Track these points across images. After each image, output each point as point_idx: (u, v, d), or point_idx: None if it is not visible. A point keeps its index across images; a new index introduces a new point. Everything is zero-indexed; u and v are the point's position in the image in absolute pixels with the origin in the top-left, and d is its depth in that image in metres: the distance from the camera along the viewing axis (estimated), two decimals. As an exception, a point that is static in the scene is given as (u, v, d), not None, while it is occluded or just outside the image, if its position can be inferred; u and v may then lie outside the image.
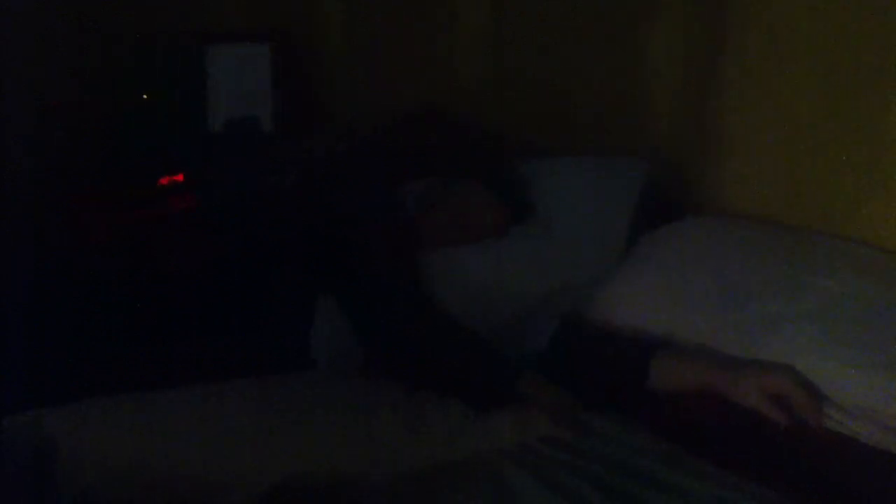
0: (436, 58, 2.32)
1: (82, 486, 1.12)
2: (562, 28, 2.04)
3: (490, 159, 1.73)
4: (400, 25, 2.42)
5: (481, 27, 2.22)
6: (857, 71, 1.56)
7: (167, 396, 1.26)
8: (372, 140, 2.00)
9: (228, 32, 2.57)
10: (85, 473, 1.13)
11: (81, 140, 2.37)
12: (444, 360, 1.39)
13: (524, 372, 1.37)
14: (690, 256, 1.57)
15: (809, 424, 1.27)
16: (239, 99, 2.51)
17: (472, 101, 2.21)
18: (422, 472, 1.20)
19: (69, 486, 1.12)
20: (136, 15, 2.44)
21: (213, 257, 1.58)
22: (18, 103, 2.19)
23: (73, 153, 2.32)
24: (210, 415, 1.23)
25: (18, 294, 1.53)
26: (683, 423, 1.33)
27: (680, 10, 1.82)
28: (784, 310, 1.40)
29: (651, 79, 1.88)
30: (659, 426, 1.32)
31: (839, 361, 1.30)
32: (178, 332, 1.44)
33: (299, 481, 1.16)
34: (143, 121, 2.42)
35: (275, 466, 1.17)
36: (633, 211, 1.73)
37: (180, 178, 2.38)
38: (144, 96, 2.46)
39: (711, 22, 1.76)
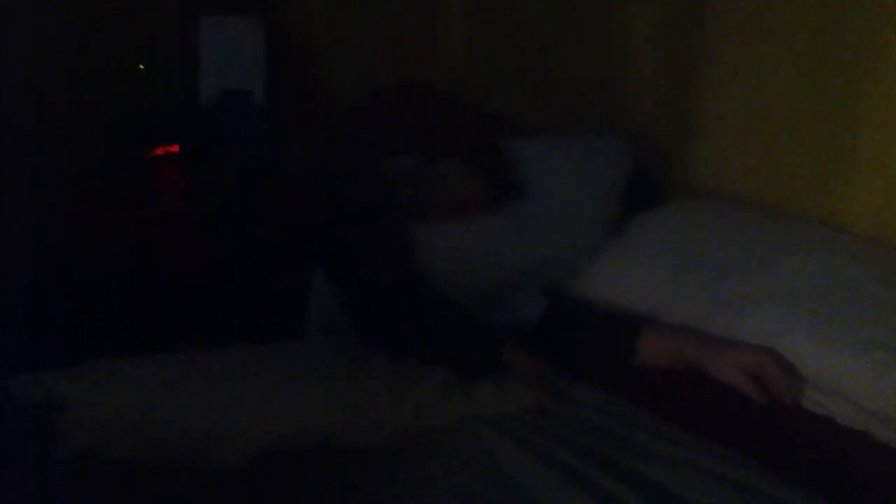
0: (418, 34, 2.35)
1: (84, 443, 1.15)
2: (543, 6, 2.07)
3: (478, 136, 1.75)
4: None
5: (463, 2, 2.26)
6: (835, 50, 1.58)
7: (166, 359, 1.29)
8: (356, 115, 2.03)
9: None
10: (86, 431, 1.16)
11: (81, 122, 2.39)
12: (429, 329, 1.42)
13: (507, 343, 1.40)
14: (675, 239, 1.61)
15: (786, 402, 1.31)
16: (231, 71, 2.53)
17: (454, 77, 2.25)
18: (405, 437, 1.25)
19: (71, 443, 1.15)
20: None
21: (208, 232, 1.61)
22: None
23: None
24: (207, 377, 1.27)
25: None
26: (665, 398, 1.38)
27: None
28: (761, 290, 1.44)
29: (631, 57, 1.91)
30: (641, 399, 1.37)
31: (815, 341, 1.33)
32: (175, 311, 1.47)
33: (290, 442, 1.20)
34: (139, 91, 2.44)
35: (267, 427, 1.20)
36: (618, 189, 1.77)
37: (175, 149, 2.41)
38: (141, 66, 2.48)
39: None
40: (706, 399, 1.37)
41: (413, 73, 2.24)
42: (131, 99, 2.45)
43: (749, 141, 1.74)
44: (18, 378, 1.22)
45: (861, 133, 1.56)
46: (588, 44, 1.99)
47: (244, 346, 1.35)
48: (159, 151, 2.42)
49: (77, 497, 1.15)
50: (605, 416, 1.32)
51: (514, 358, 1.38)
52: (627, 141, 1.82)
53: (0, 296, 1.55)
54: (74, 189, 2.10)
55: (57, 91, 2.40)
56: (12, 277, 1.60)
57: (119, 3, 2.51)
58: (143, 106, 2.45)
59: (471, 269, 1.57)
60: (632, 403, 1.36)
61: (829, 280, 1.42)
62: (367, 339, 1.44)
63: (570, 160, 1.78)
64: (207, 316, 1.49)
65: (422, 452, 1.23)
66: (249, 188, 1.72)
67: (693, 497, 1.13)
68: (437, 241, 1.57)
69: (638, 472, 1.17)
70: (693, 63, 1.80)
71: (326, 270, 1.50)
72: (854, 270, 1.43)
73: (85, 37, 2.45)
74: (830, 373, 1.30)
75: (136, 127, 2.43)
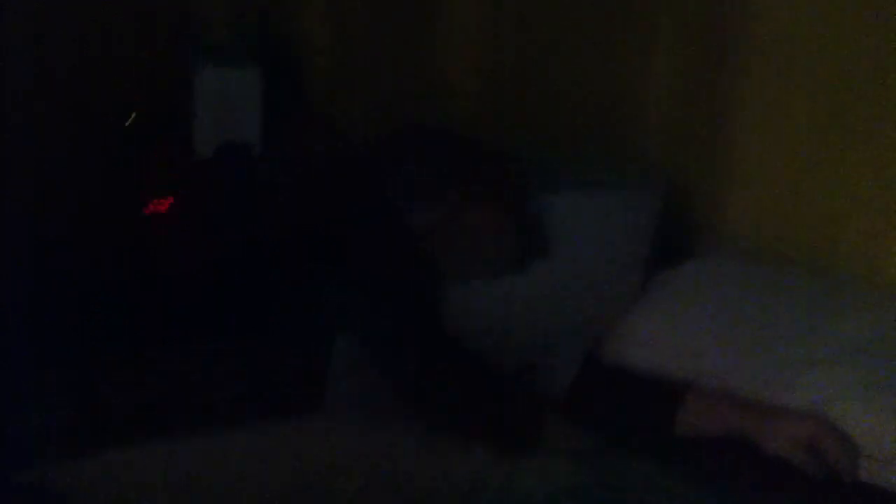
0: (427, 68, 2.30)
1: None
2: (560, 51, 2.02)
3: (507, 185, 1.65)
4: (389, 38, 2.40)
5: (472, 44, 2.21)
6: (872, 91, 1.53)
7: (174, 451, 1.20)
8: (366, 163, 1.94)
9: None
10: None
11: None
12: (467, 400, 1.34)
13: (547, 415, 1.32)
14: (709, 296, 1.55)
15: (842, 475, 1.24)
16: (229, 123, 2.46)
17: (464, 118, 2.18)
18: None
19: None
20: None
21: (209, 297, 1.52)
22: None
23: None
24: (217, 473, 1.18)
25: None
26: (710, 471, 1.29)
27: (678, 30, 1.80)
28: (808, 353, 1.37)
29: (653, 100, 1.86)
30: (685, 473, 1.28)
31: (872, 408, 1.26)
32: (181, 373, 1.38)
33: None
34: (130, 142, 2.37)
35: None
36: (646, 244, 1.70)
37: (168, 205, 2.32)
38: (132, 114, 2.41)
39: (709, 41, 1.74)
40: (755, 472, 1.29)
41: (422, 115, 2.18)
42: (123, 152, 2.38)
43: (780, 188, 1.68)
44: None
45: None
46: (607, 87, 1.94)
47: (258, 430, 1.26)
48: (153, 207, 2.33)
49: None
50: (650, 492, 1.24)
51: (557, 431, 1.29)
52: (655, 192, 1.75)
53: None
54: (67, 251, 2.01)
55: (47, 143, 2.32)
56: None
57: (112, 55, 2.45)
58: (136, 159, 2.38)
59: (497, 332, 1.49)
60: (675, 476, 1.28)
61: (880, 342, 1.36)
62: (396, 402, 1.35)
63: (596, 214, 1.70)
64: (217, 388, 1.39)
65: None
66: (256, 246, 1.62)
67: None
68: (463, 299, 1.49)
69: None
70: (718, 107, 1.74)
71: (349, 334, 1.41)
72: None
73: (76, 86, 2.38)
74: (888, 442, 1.23)
75: (129, 181, 2.35)
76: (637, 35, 1.88)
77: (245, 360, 1.45)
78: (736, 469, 1.29)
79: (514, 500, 1.21)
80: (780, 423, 1.27)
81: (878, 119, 1.52)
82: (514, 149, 1.96)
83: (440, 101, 2.24)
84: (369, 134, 2.21)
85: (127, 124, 2.43)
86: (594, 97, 1.97)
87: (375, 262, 1.45)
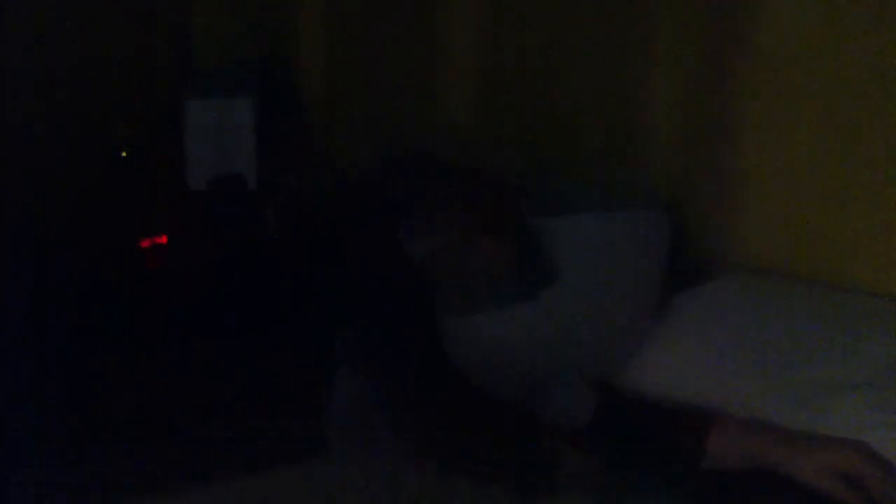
0: (426, 97, 2.23)
1: None
2: (564, 71, 1.95)
3: (509, 212, 1.58)
4: (387, 68, 2.34)
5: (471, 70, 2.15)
6: (882, 111, 1.47)
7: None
8: (364, 192, 1.88)
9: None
10: None
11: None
12: (477, 437, 1.26)
13: (563, 451, 1.24)
14: (732, 317, 1.47)
15: (886, 506, 1.14)
16: (221, 155, 2.40)
17: (462, 145, 2.11)
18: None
19: None
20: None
21: (206, 334, 1.44)
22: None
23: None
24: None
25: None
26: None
27: (685, 50, 1.74)
28: (839, 376, 1.29)
29: (660, 122, 1.80)
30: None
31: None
32: (178, 411, 1.30)
33: None
34: (122, 179, 2.30)
35: None
36: (659, 269, 1.62)
37: (164, 240, 2.26)
38: (123, 154, 2.35)
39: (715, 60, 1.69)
40: (791, 506, 1.20)
41: (421, 143, 2.11)
42: (114, 189, 2.31)
43: (793, 209, 1.61)
44: None
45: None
46: (612, 109, 1.87)
47: (254, 481, 1.17)
48: (146, 243, 2.26)
49: None
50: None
51: (578, 470, 1.21)
52: (665, 214, 1.67)
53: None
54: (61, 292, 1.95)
55: (39, 181, 2.26)
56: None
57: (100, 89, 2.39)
58: (128, 195, 2.32)
59: (505, 365, 1.41)
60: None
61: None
62: (402, 441, 1.26)
63: (605, 238, 1.62)
64: (212, 428, 1.31)
65: None
66: (253, 280, 1.55)
67: None
68: (467, 334, 1.41)
69: None
70: (725, 128, 1.68)
71: (349, 369, 1.33)
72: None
73: (65, 123, 2.31)
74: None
75: (121, 218, 2.29)
76: (641, 52, 1.82)
77: (246, 396, 1.38)
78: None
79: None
80: (815, 453, 1.18)
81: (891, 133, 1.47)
82: (518, 173, 1.91)
83: (440, 128, 2.19)
84: (367, 163, 2.16)
85: (122, 155, 2.37)
86: (598, 116, 1.90)
87: (375, 293, 1.38)
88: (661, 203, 1.69)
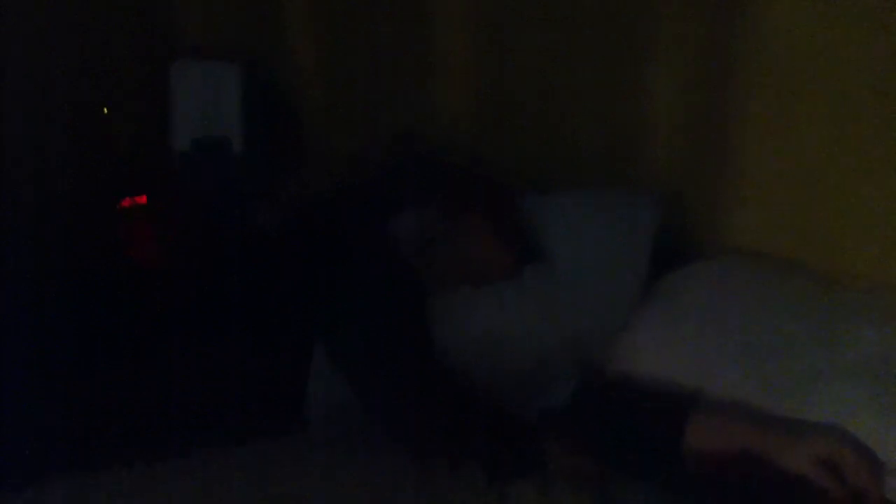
0: (419, 81, 2.18)
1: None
2: (559, 60, 1.91)
3: (494, 191, 1.57)
4: (377, 49, 2.28)
5: (467, 52, 2.09)
6: (876, 104, 1.45)
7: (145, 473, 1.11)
8: (352, 168, 1.86)
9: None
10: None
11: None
12: (450, 419, 1.24)
13: (546, 435, 1.22)
14: (714, 302, 1.45)
15: (867, 495, 1.14)
16: (206, 117, 2.36)
17: (456, 128, 2.08)
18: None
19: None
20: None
21: (183, 303, 1.41)
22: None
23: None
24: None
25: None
26: (722, 492, 1.20)
27: (683, 44, 1.72)
28: (823, 363, 1.28)
29: (655, 112, 1.77)
30: (694, 494, 1.19)
31: (893, 421, 1.17)
32: (160, 386, 1.28)
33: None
34: (103, 137, 2.27)
35: None
36: (647, 249, 1.60)
37: (143, 199, 2.23)
38: (105, 110, 2.31)
39: (714, 52, 1.66)
40: (770, 493, 1.19)
41: (412, 123, 2.07)
42: (95, 146, 2.27)
43: (786, 199, 1.60)
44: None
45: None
46: (608, 99, 1.84)
47: (236, 449, 1.15)
48: (126, 203, 2.23)
49: None
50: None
51: (558, 452, 1.19)
52: (655, 196, 1.65)
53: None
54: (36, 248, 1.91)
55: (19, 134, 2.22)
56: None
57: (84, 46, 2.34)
58: (108, 153, 2.28)
59: (489, 344, 1.39)
60: (683, 500, 1.18)
61: (897, 352, 1.26)
62: (378, 425, 1.25)
63: (594, 217, 1.60)
64: (190, 407, 1.29)
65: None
66: (231, 249, 1.52)
67: None
68: (452, 313, 1.39)
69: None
70: (721, 118, 1.66)
71: (326, 348, 1.30)
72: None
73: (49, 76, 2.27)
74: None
75: (101, 176, 2.25)
76: (638, 45, 1.79)
77: (224, 375, 1.35)
78: (750, 491, 1.19)
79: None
80: (795, 439, 1.17)
81: (887, 131, 1.45)
82: (512, 165, 1.89)
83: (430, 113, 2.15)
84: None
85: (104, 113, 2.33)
86: (594, 104, 1.87)
87: (362, 280, 1.36)
88: (651, 183, 1.68)
